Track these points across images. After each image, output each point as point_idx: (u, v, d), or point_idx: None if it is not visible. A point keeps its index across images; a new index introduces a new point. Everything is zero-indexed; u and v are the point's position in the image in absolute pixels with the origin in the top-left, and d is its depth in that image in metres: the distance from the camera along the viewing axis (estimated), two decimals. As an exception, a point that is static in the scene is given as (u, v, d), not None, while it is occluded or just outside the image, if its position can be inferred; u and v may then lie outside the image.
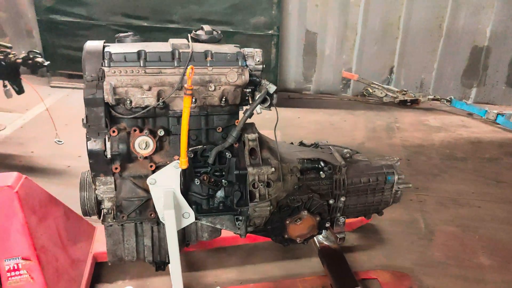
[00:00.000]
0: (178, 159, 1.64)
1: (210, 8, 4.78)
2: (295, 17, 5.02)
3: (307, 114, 4.80)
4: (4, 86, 3.32)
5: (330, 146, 2.18)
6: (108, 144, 1.63)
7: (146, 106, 1.64)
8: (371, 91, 5.15)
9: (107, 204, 1.71)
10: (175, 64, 1.63)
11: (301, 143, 2.28)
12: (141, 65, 1.59)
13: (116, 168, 1.67)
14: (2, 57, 3.20)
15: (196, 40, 1.75)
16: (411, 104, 5.07)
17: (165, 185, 1.71)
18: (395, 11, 4.95)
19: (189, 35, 1.79)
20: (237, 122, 1.79)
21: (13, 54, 3.26)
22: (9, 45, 3.36)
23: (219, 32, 1.79)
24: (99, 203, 1.73)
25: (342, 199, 2.02)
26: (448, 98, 4.97)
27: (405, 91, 5.09)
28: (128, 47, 1.65)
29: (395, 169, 2.14)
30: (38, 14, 5.09)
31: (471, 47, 5.02)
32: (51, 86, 5.38)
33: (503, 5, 4.74)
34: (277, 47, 4.86)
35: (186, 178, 1.72)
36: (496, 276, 2.33)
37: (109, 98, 1.57)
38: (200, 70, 1.65)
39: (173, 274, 1.73)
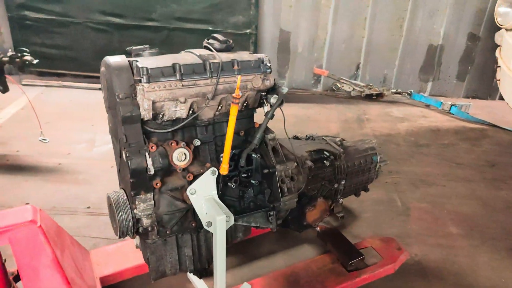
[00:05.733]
0: (210, 166, 1.72)
1: (191, 7, 4.92)
2: (270, 17, 5.27)
3: (283, 108, 5.06)
4: None
5: (323, 137, 2.41)
6: (149, 161, 1.61)
7: (177, 119, 1.65)
8: (339, 86, 5.53)
9: (146, 222, 1.67)
10: (208, 75, 1.64)
11: (295, 137, 2.47)
12: (178, 78, 1.58)
13: (157, 184, 1.65)
14: None
15: (211, 49, 1.77)
16: (376, 97, 5.52)
17: (205, 193, 1.71)
18: (361, 12, 5.35)
19: (205, 44, 1.82)
20: (256, 125, 1.89)
21: None
22: None
23: (231, 41, 1.83)
24: (137, 222, 1.68)
25: (343, 182, 2.27)
26: (408, 92, 5.46)
27: (370, 85, 5.53)
28: (159, 61, 1.59)
29: (376, 150, 2.46)
30: (9, 11, 4.98)
31: (427, 45, 5.56)
32: (23, 84, 5.25)
33: (453, 10, 5.34)
34: (255, 45, 5.11)
35: (223, 183, 1.79)
36: (464, 241, 2.74)
37: (146, 114, 1.54)
38: (229, 78, 1.69)
39: (218, 277, 1.73)
